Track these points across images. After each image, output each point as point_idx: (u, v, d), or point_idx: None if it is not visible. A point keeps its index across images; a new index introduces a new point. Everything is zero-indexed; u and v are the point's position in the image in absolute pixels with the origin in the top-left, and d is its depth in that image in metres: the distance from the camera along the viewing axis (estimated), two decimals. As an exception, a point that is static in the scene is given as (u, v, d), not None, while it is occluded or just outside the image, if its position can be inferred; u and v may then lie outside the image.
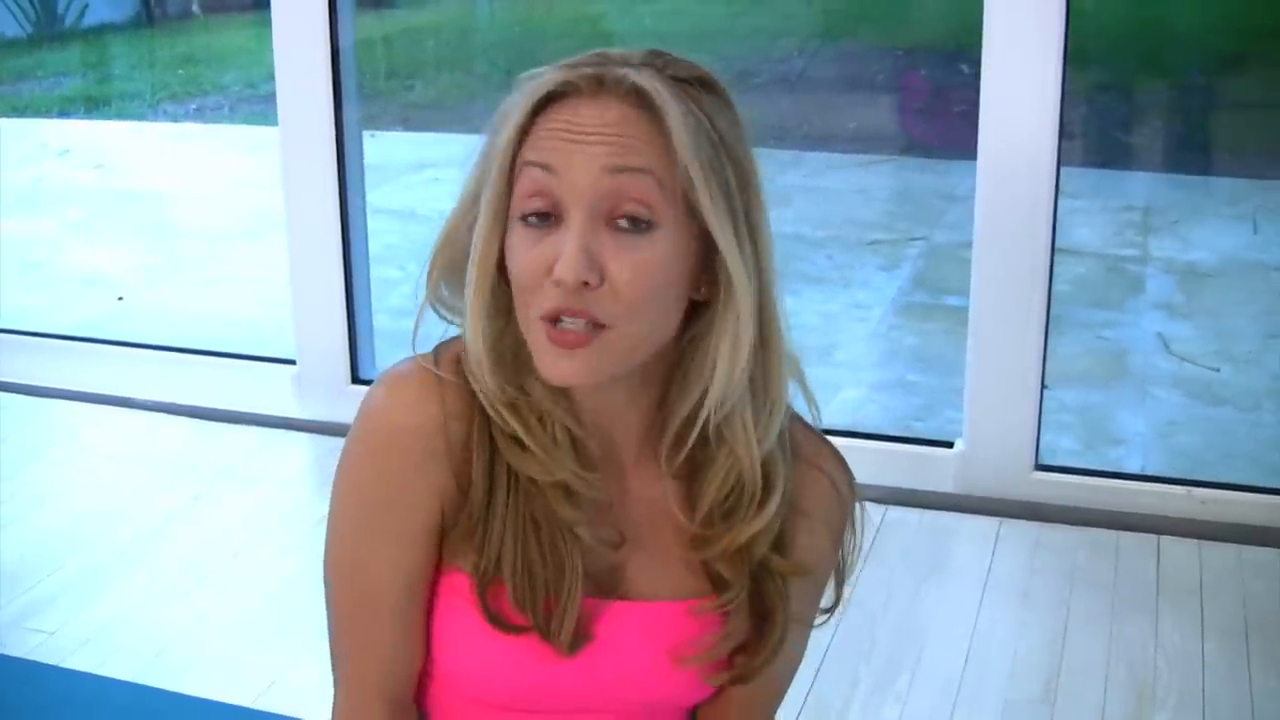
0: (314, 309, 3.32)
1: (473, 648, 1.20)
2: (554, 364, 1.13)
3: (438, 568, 1.21)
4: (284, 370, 3.39)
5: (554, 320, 1.12)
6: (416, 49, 7.20)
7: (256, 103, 7.36)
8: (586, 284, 1.10)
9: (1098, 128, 5.95)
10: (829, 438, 1.29)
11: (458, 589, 1.20)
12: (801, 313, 4.43)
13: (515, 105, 1.14)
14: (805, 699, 2.25)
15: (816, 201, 5.69)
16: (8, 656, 2.46)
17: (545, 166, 1.11)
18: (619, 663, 1.22)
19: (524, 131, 1.13)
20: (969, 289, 2.95)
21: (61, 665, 2.44)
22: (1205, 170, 5.89)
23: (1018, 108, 2.77)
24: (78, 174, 6.53)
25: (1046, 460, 2.94)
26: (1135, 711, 2.23)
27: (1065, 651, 2.39)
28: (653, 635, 1.22)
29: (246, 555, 2.79)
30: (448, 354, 1.21)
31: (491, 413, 1.18)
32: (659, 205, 1.11)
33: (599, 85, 1.13)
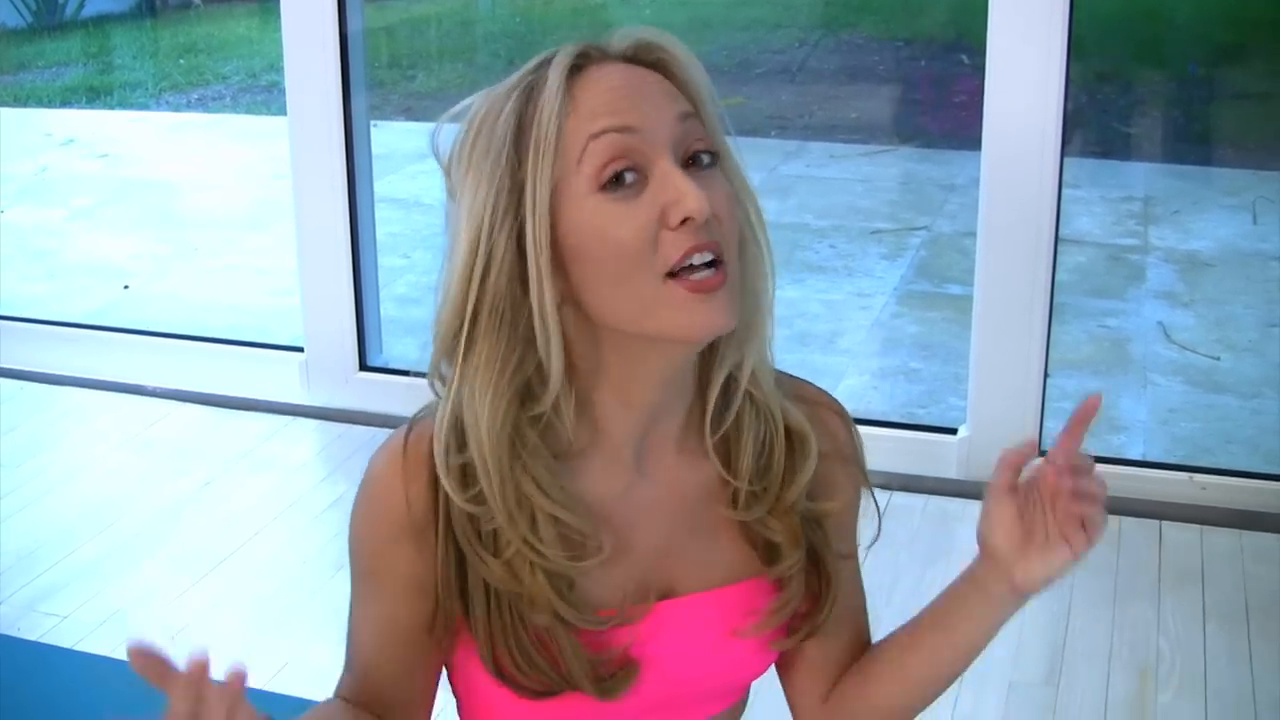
0: (322, 297, 3.35)
1: (508, 712, 1.22)
2: (697, 316, 1.09)
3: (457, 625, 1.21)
4: (293, 357, 3.42)
5: (685, 268, 1.08)
6: (418, 39, 7.21)
7: (258, 92, 7.39)
8: (707, 220, 1.08)
9: (1098, 118, 5.97)
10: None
11: (473, 659, 1.20)
12: (805, 301, 4.46)
13: (538, 93, 1.11)
14: (812, 681, 2.28)
15: (819, 191, 5.71)
16: (22, 639, 2.50)
17: (625, 129, 1.09)
18: (681, 661, 1.22)
19: (565, 104, 1.10)
20: (971, 278, 2.98)
21: (75, 649, 2.48)
22: (1205, 160, 5.90)
23: (1021, 96, 2.80)
24: (83, 163, 6.56)
25: (1050, 447, 2.97)
26: (1138, 693, 2.26)
27: (1069, 634, 2.42)
28: (712, 622, 1.22)
29: (258, 539, 2.82)
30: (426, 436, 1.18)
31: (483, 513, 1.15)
32: (713, 143, 1.12)
33: (603, 53, 1.14)
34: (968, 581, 1.24)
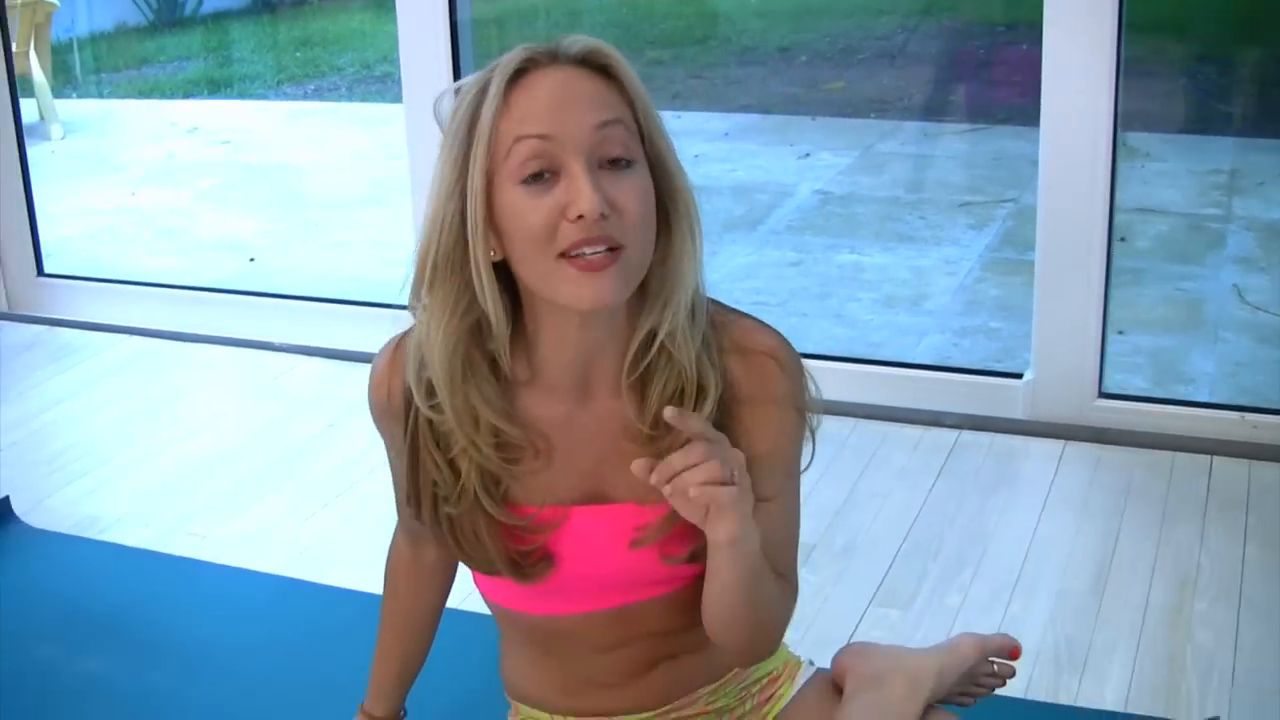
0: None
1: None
2: (585, 289, 1.35)
3: None
4: (406, 315, 3.68)
5: (575, 254, 1.35)
6: (527, 29, 7.42)
7: (372, 83, 7.51)
8: (603, 216, 1.33)
9: (1196, 96, 6.07)
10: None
11: None
12: (894, 268, 4.65)
13: (476, 92, 1.38)
14: (877, 589, 2.50)
15: (912, 168, 5.88)
16: (169, 554, 2.77)
17: (542, 136, 1.35)
18: (588, 559, 1.50)
19: (500, 111, 1.36)
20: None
21: (213, 561, 2.75)
22: None
23: (1076, 77, 2.99)
24: (207, 149, 6.81)
25: (1114, 395, 3.17)
26: (1177, 600, 2.45)
27: (1116, 552, 2.61)
28: (613, 531, 1.49)
29: (374, 475, 3.07)
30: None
31: (437, 419, 1.45)
32: (631, 149, 1.38)
33: (553, 58, 1.39)
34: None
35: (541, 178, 1.35)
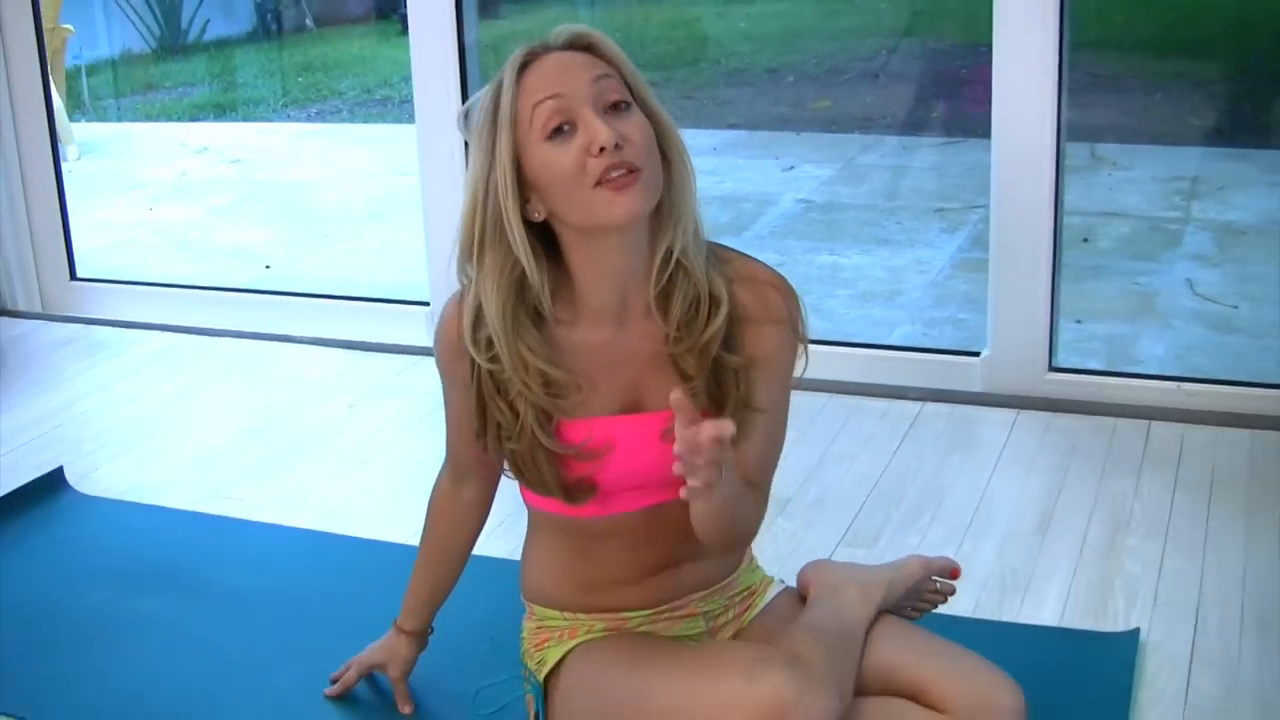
0: (448, 273, 3.91)
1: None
2: (618, 207, 1.73)
3: None
4: (419, 310, 3.99)
5: (605, 181, 1.71)
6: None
7: (372, 106, 7.77)
8: (618, 146, 1.70)
9: (1170, 110, 6.37)
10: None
11: None
12: (870, 267, 4.95)
13: (497, 86, 1.77)
14: (845, 533, 2.81)
15: (890, 177, 6.18)
16: (211, 514, 3.07)
17: (555, 95, 1.73)
18: (632, 459, 1.86)
19: (517, 91, 1.74)
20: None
21: (250, 520, 3.04)
22: (1263, 144, 6.20)
23: (1023, 93, 3.30)
24: (218, 168, 7.08)
25: (1065, 374, 3.48)
26: (1110, 538, 2.75)
27: (1059, 501, 2.91)
28: (652, 432, 1.84)
29: (393, 448, 3.38)
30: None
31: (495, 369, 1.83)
32: (626, 94, 1.75)
33: (546, 48, 1.78)
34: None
35: (562, 130, 1.73)
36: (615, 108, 1.75)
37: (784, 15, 7.83)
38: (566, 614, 2.01)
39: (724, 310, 1.81)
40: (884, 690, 1.94)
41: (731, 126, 7.11)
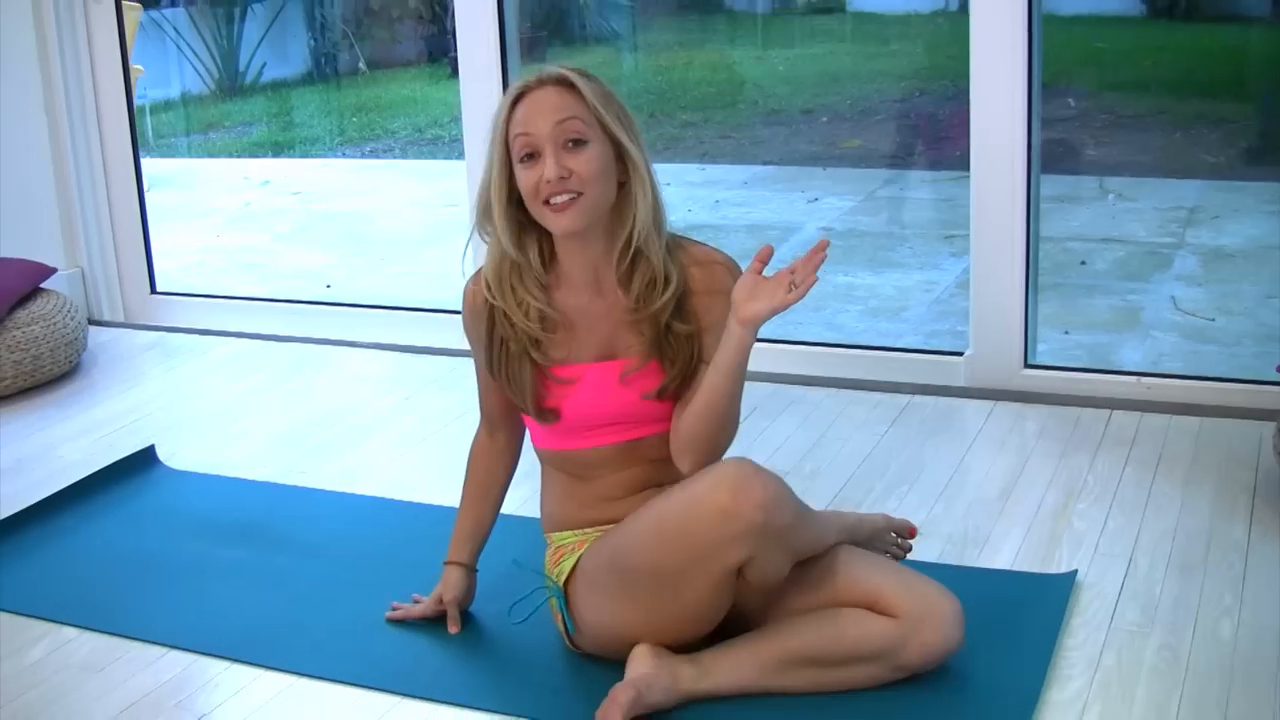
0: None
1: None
2: (559, 222, 2.32)
3: None
4: (456, 320, 4.43)
5: (549, 201, 2.29)
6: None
7: (424, 145, 8.17)
8: (562, 178, 2.27)
9: (1191, 149, 6.71)
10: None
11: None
12: (881, 287, 5.35)
13: (500, 109, 2.35)
14: (833, 499, 3.23)
15: (907, 209, 6.60)
16: (286, 484, 3.52)
17: (526, 134, 2.31)
18: (602, 400, 2.40)
19: (508, 120, 2.32)
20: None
21: (318, 488, 3.48)
22: (1264, 177, 6.45)
23: (996, 132, 3.74)
24: (280, 199, 7.58)
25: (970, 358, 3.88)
26: (1062, 503, 3.15)
27: (1022, 474, 3.32)
28: (611, 376, 2.39)
29: (445, 430, 3.82)
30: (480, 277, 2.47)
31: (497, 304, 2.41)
32: (585, 132, 2.29)
33: (539, 82, 2.33)
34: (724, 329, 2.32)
35: (532, 157, 2.31)
36: (575, 144, 2.30)
37: (821, 59, 8.16)
38: (575, 531, 2.48)
39: (673, 288, 2.35)
40: (845, 602, 2.38)
41: (765, 163, 7.53)
